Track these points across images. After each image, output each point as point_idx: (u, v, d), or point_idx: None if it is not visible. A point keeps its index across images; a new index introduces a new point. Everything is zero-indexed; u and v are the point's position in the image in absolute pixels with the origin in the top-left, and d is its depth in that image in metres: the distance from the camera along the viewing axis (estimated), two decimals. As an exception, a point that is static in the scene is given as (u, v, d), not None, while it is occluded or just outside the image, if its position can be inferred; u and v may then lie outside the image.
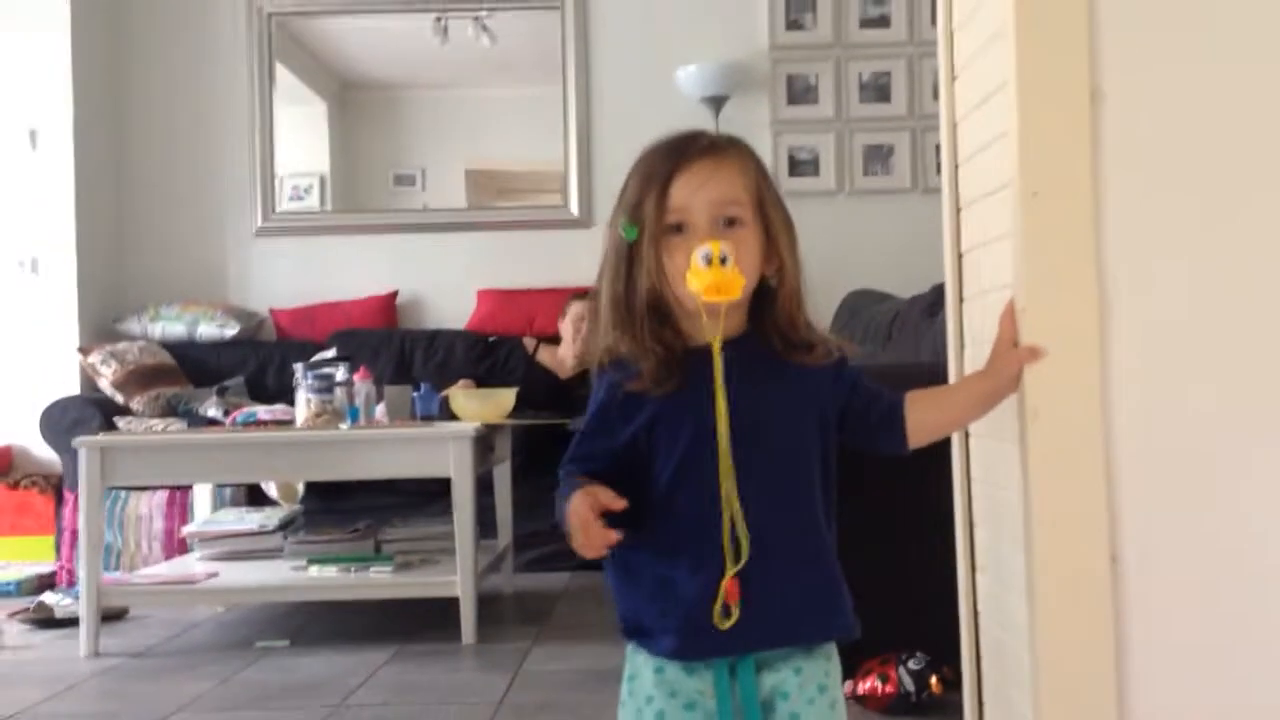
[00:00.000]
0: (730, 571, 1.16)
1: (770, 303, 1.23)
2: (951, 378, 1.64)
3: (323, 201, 5.72)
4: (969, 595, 1.66)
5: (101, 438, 3.41)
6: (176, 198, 5.38)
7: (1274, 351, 1.29)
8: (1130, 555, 1.27)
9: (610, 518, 1.16)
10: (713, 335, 1.15)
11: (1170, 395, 1.28)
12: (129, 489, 4.30)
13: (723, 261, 1.15)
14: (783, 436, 1.21)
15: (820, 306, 3.05)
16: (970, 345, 1.54)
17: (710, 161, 1.22)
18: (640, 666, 1.24)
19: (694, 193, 1.20)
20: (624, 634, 1.26)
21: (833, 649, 1.26)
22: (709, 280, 1.14)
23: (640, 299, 1.20)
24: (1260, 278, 1.30)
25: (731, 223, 1.20)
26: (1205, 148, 1.31)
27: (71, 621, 3.63)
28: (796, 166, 5.49)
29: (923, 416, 1.29)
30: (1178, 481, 1.29)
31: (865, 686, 2.48)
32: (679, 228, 1.20)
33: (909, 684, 2.45)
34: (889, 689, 2.46)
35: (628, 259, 1.22)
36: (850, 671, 2.41)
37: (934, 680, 2.46)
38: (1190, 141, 1.31)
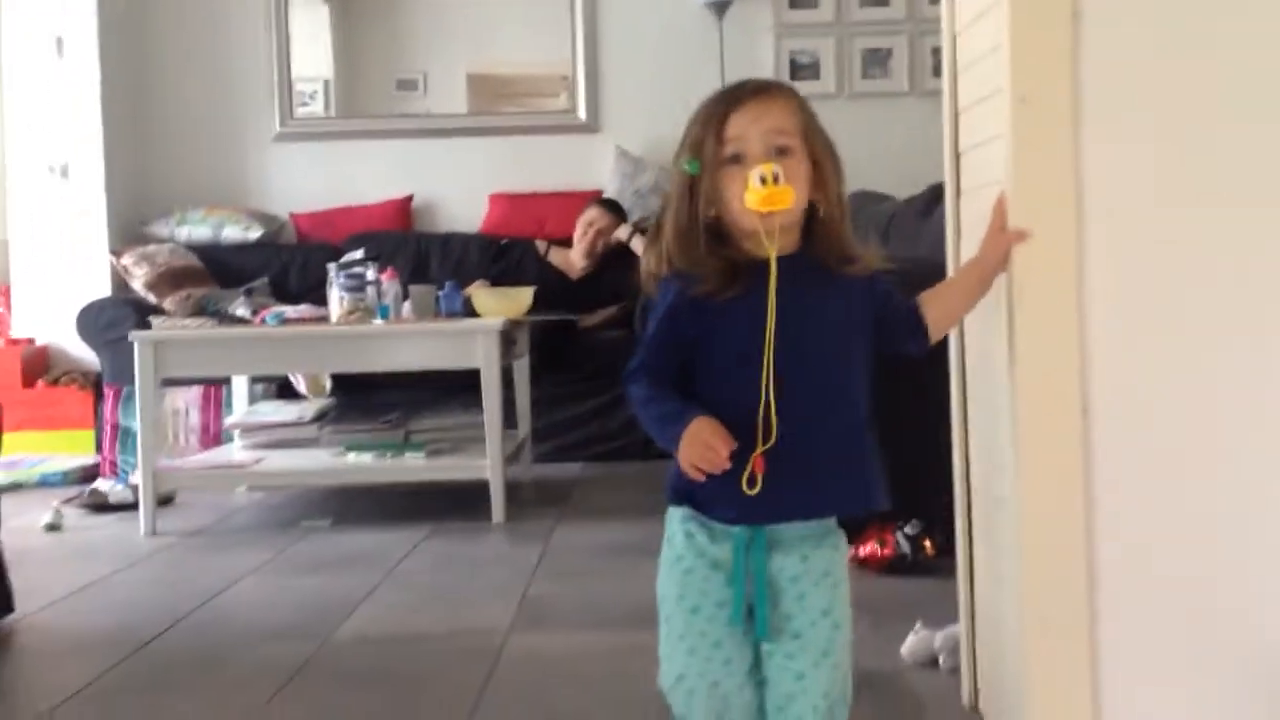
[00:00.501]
0: (759, 449, 1.37)
1: (818, 224, 1.40)
2: (949, 263, 1.86)
3: (327, 107, 5.87)
4: (963, 459, 1.89)
5: (155, 332, 3.65)
6: (198, 103, 5.54)
7: (1232, 233, 1.51)
8: (1099, 408, 1.51)
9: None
10: (769, 246, 1.34)
11: (1138, 271, 1.50)
12: (172, 384, 4.51)
13: (775, 179, 1.34)
14: (826, 337, 1.38)
15: None
16: (966, 234, 1.76)
17: (761, 100, 1.38)
18: (676, 530, 1.43)
19: (748, 126, 1.36)
20: (671, 499, 1.46)
21: (840, 540, 1.44)
22: (763, 194, 1.33)
23: (701, 225, 1.37)
24: (1222, 170, 1.51)
25: (782, 151, 1.36)
26: (1175, 60, 1.51)
27: (123, 506, 3.91)
28: (797, 70, 5.64)
29: (936, 314, 1.48)
30: (1144, 345, 1.51)
31: (866, 550, 2.73)
32: (736, 159, 1.36)
33: (905, 547, 2.71)
34: (887, 552, 2.72)
35: (690, 191, 1.38)
36: (853, 538, 2.67)
37: (927, 544, 2.72)
38: (1160, 54, 1.51)
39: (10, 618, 2.55)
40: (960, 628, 1.91)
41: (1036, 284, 1.48)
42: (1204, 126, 1.52)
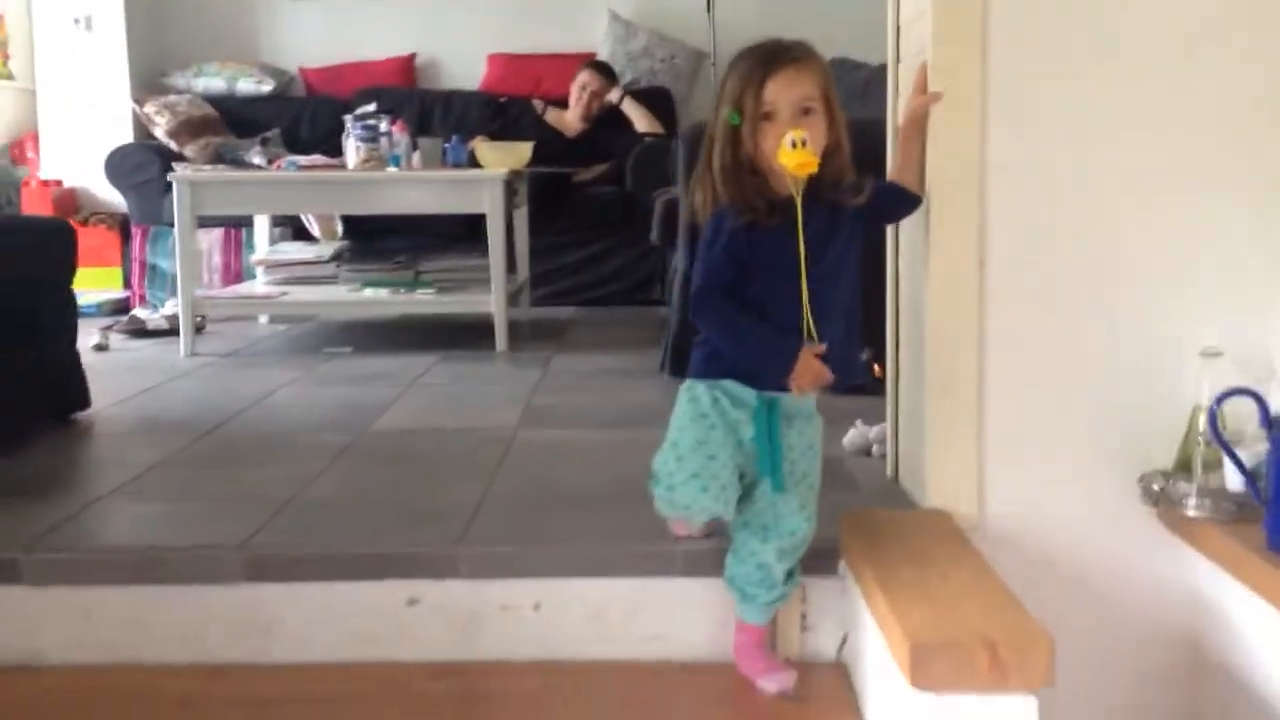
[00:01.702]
0: (812, 348, 1.70)
1: (830, 163, 1.74)
2: (889, 118, 2.24)
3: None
4: (894, 300, 2.31)
5: (192, 173, 4.02)
6: (213, -40, 5.83)
7: (1117, 100, 1.91)
8: (992, 260, 1.94)
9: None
10: (796, 191, 1.68)
11: (1031, 130, 1.91)
12: (203, 224, 4.87)
13: (804, 144, 1.65)
14: (837, 257, 1.77)
15: None
16: (902, 95, 2.15)
17: (794, 69, 1.71)
18: (703, 396, 1.80)
19: (781, 92, 1.70)
20: (703, 374, 1.80)
21: (820, 420, 1.84)
22: (797, 159, 1.64)
23: (744, 166, 1.72)
24: (1114, 40, 1.90)
25: (807, 111, 1.71)
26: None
27: (159, 332, 4.33)
28: (785, -58, 5.91)
29: (908, 179, 1.93)
30: (1031, 204, 1.93)
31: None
32: (769, 116, 1.71)
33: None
34: (844, 375, 3.16)
35: (733, 139, 1.73)
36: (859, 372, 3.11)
37: (875, 367, 3.15)
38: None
39: (88, 411, 2.98)
40: (888, 423, 2.36)
41: (943, 141, 1.89)
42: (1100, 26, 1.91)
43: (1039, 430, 1.98)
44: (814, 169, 1.68)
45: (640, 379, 3.32)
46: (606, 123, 5.53)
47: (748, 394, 1.78)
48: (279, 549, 1.98)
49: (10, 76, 5.65)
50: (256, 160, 4.93)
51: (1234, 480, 1.79)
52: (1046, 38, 1.92)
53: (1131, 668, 1.98)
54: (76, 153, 5.46)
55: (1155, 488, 1.90)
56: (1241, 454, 1.77)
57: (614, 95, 5.51)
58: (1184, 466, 1.88)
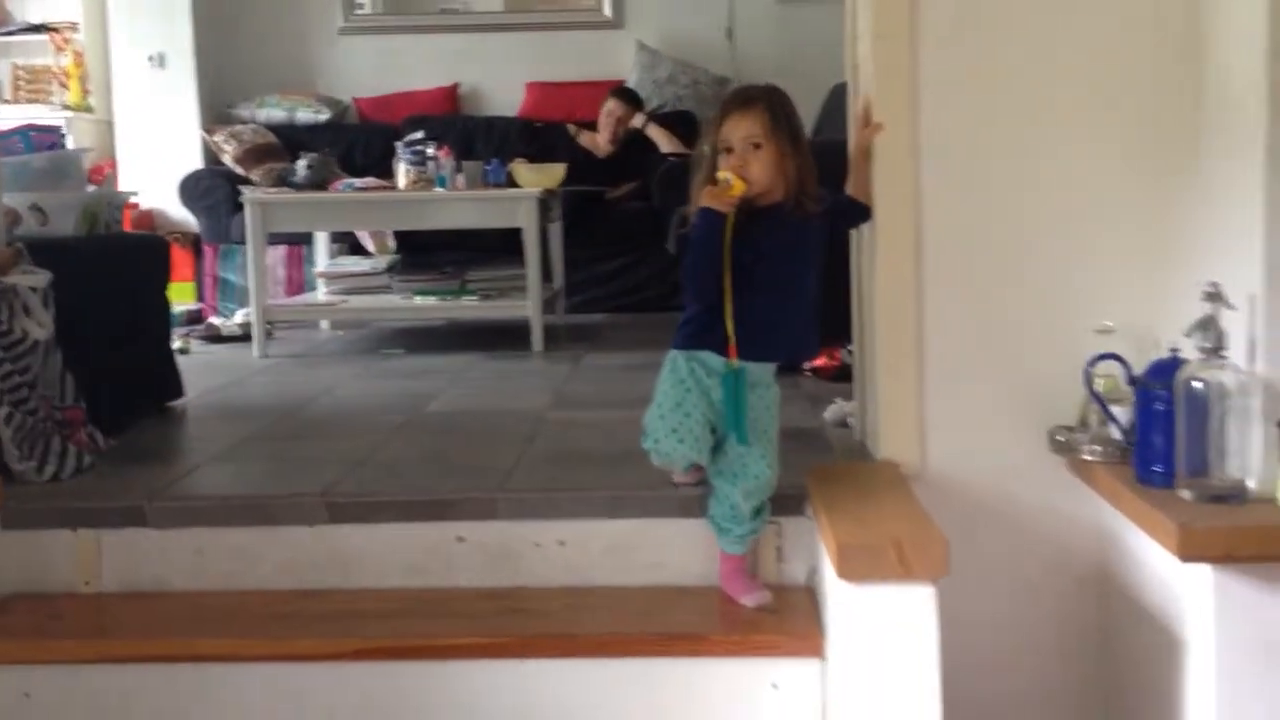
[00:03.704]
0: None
1: (785, 185, 2.17)
2: (850, 118, 2.63)
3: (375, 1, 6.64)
4: (858, 311, 2.75)
5: (262, 195, 4.52)
6: (273, 1, 6.36)
7: (1019, 137, 2.36)
8: (926, 260, 2.38)
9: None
10: (728, 214, 2.11)
11: (958, 138, 2.34)
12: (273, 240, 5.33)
13: (728, 182, 2.11)
14: (800, 259, 2.20)
15: (814, 93, 4.35)
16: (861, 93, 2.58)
17: (740, 112, 2.16)
18: (682, 364, 2.25)
19: (733, 130, 2.17)
20: (684, 345, 2.23)
21: (778, 388, 2.26)
22: (717, 190, 2.11)
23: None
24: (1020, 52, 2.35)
25: (756, 146, 2.15)
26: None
27: (232, 338, 4.83)
28: (799, -25, 6.38)
29: (855, 192, 2.39)
30: (956, 212, 2.37)
31: (819, 362, 3.61)
32: (728, 149, 2.17)
33: (846, 359, 3.58)
34: (834, 363, 3.59)
35: (711, 163, 2.19)
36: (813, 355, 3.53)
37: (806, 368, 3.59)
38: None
39: (181, 400, 3.48)
40: (855, 398, 2.80)
41: (886, 159, 2.35)
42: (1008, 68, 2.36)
43: (968, 396, 2.42)
44: (734, 196, 2.12)
45: (658, 372, 3.76)
46: (634, 144, 6.00)
47: (719, 363, 2.22)
48: (354, 497, 2.45)
49: (90, 109, 6.20)
50: (300, 174, 5.29)
51: (1116, 429, 2.22)
52: (965, 81, 2.37)
53: (1049, 588, 2.41)
54: (151, 178, 5.99)
55: (1059, 439, 2.33)
56: (1121, 408, 2.20)
57: (638, 120, 5.99)
58: (1084, 421, 2.32)
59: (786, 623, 2.22)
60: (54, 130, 3.60)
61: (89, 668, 2.23)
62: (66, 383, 2.74)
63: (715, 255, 2.16)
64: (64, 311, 2.70)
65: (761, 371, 2.24)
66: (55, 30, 6.00)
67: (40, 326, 2.58)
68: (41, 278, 2.62)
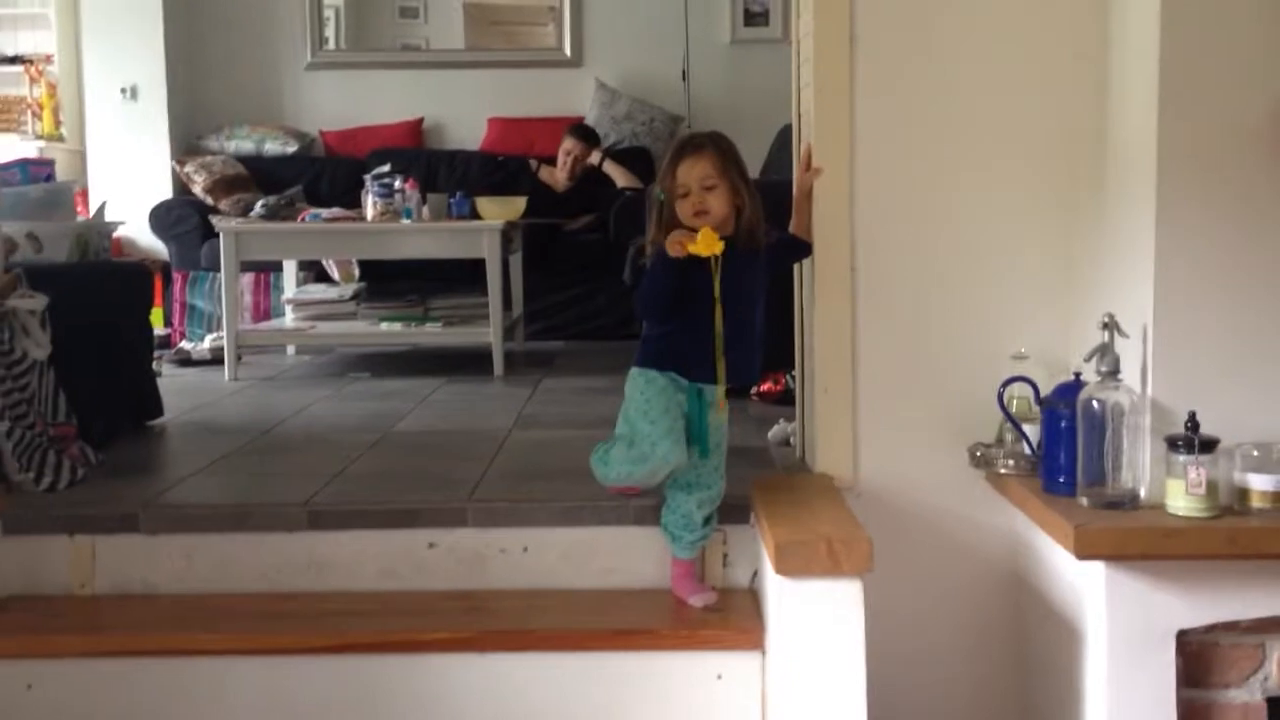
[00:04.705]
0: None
1: (741, 219, 2.37)
2: (794, 160, 2.89)
3: (337, 32, 6.85)
4: (800, 338, 2.99)
5: (236, 224, 4.73)
6: (243, 37, 6.58)
7: (945, 186, 2.61)
8: (860, 293, 2.62)
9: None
10: (714, 262, 2.25)
11: (889, 182, 2.59)
12: (250, 268, 5.49)
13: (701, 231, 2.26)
14: (749, 287, 2.39)
15: (764, 133, 4.65)
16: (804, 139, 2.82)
17: (693, 157, 2.36)
18: (656, 376, 2.42)
19: (687, 173, 2.35)
20: (652, 364, 2.41)
21: (727, 407, 2.48)
22: (706, 244, 2.23)
23: (668, 228, 2.35)
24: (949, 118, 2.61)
25: (710, 188, 2.36)
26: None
27: (202, 362, 5.01)
28: (751, 18, 6.68)
29: (798, 230, 2.62)
30: (887, 251, 2.61)
31: (765, 387, 3.85)
32: (685, 193, 2.36)
33: (791, 384, 3.82)
34: (779, 388, 3.83)
35: (660, 209, 2.38)
36: (760, 381, 3.76)
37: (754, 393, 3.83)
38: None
39: (161, 419, 3.66)
40: (797, 419, 3.04)
41: (824, 196, 2.59)
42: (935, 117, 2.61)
43: (896, 415, 2.66)
44: (719, 249, 2.28)
45: (614, 394, 3.94)
46: (592, 179, 6.24)
47: (683, 383, 2.44)
48: (332, 506, 2.65)
49: (62, 139, 6.37)
50: (259, 209, 5.43)
51: (1027, 445, 2.47)
52: (896, 129, 2.62)
53: (969, 588, 2.65)
54: (122, 207, 6.14)
55: (978, 454, 2.57)
56: (1031, 426, 2.45)
57: (594, 158, 6.23)
58: (1000, 439, 2.56)
59: (731, 619, 2.43)
60: (49, 163, 3.79)
61: (86, 662, 2.41)
62: (59, 401, 2.92)
63: (668, 289, 2.36)
64: (56, 333, 2.88)
65: (714, 392, 2.46)
66: (30, 62, 6.17)
67: (39, 347, 2.76)
68: (39, 301, 2.80)
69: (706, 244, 2.27)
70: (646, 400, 2.40)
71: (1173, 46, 2.23)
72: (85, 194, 6.30)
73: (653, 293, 2.40)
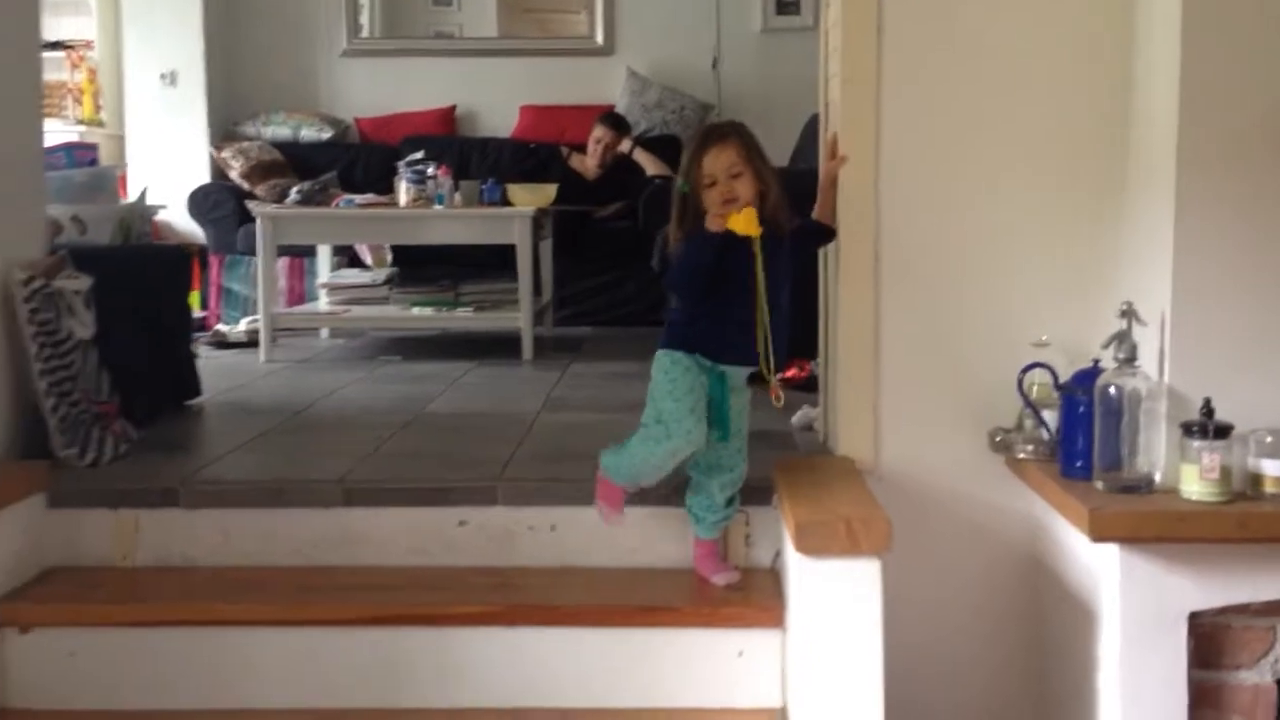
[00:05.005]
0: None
1: (766, 206, 2.39)
2: (820, 148, 2.93)
3: (371, 20, 6.93)
4: (824, 325, 3.04)
5: (272, 209, 4.81)
6: (281, 24, 6.66)
7: (968, 173, 2.65)
8: (884, 281, 2.67)
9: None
10: (756, 241, 2.31)
11: (913, 172, 2.63)
12: (285, 252, 5.57)
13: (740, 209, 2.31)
14: (777, 271, 2.42)
15: (793, 121, 4.67)
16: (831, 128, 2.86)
17: (719, 146, 2.39)
18: (681, 357, 2.46)
19: (713, 163, 2.38)
20: (677, 345, 2.45)
21: (749, 390, 2.52)
22: (744, 224, 2.28)
23: (697, 218, 2.38)
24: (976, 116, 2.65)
25: (736, 175, 2.39)
26: (941, 59, 2.64)
27: (238, 344, 5.10)
28: (782, 7, 6.71)
29: (821, 216, 2.65)
30: (910, 241, 2.66)
31: (790, 374, 3.89)
32: (711, 183, 2.39)
33: (816, 370, 3.87)
34: (803, 374, 3.88)
35: (683, 201, 2.42)
36: (783, 367, 3.80)
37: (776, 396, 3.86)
38: (928, 55, 2.64)
39: (200, 398, 3.74)
40: (820, 404, 3.09)
41: (849, 188, 2.64)
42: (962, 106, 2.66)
43: (918, 401, 2.71)
44: (757, 231, 2.32)
45: (641, 379, 4.00)
46: (622, 167, 6.30)
47: (707, 364, 2.49)
48: (366, 483, 2.72)
49: (102, 124, 6.47)
50: (294, 195, 5.50)
51: (1046, 430, 2.51)
52: (920, 120, 2.66)
53: (988, 570, 2.69)
54: (160, 191, 6.25)
55: (998, 439, 2.62)
56: (1050, 411, 2.49)
57: (625, 146, 6.28)
58: (1019, 424, 2.60)
59: (752, 598, 2.49)
60: (93, 147, 3.88)
61: (126, 630, 2.49)
62: (102, 379, 3.00)
63: (707, 265, 2.38)
64: (100, 314, 2.96)
65: (737, 375, 2.51)
66: (71, 47, 6.28)
67: (83, 326, 2.85)
68: (84, 282, 2.89)
69: (747, 222, 2.31)
70: (671, 380, 2.44)
71: (1193, 51, 2.28)
72: (124, 178, 6.41)
73: (690, 268, 2.41)
